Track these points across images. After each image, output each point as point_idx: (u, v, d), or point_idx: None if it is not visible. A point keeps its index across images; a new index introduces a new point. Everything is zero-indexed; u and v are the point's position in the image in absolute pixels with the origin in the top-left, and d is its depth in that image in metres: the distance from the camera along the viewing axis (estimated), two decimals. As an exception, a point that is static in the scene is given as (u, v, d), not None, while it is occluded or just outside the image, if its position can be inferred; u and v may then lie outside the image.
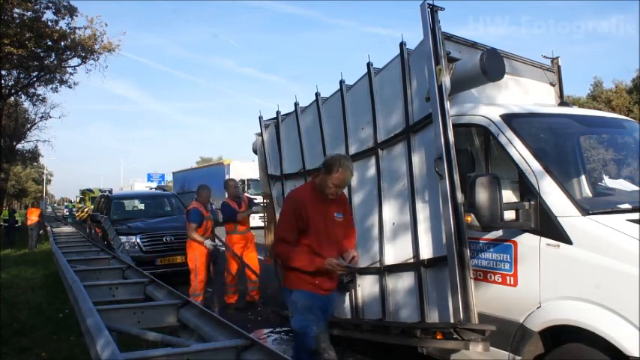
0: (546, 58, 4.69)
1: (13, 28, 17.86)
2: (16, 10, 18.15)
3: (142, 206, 12.43)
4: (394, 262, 4.06)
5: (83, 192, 36.12)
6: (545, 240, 2.97)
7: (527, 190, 3.14)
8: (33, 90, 24.98)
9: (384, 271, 4.14)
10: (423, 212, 3.76)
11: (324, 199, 3.30)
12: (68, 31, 20.62)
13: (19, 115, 29.47)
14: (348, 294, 4.57)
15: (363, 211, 4.50)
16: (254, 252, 7.27)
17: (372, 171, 4.41)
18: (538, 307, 2.96)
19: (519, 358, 3.07)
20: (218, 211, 7.52)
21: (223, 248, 7.44)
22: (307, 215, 3.21)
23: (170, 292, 4.14)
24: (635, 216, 2.88)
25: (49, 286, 8.47)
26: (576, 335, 2.74)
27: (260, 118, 6.55)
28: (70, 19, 20.72)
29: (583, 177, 3.94)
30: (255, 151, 7.23)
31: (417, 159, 3.84)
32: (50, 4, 20.01)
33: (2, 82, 21.90)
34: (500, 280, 3.24)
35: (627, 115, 11.93)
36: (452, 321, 3.29)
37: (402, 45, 3.97)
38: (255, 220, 8.53)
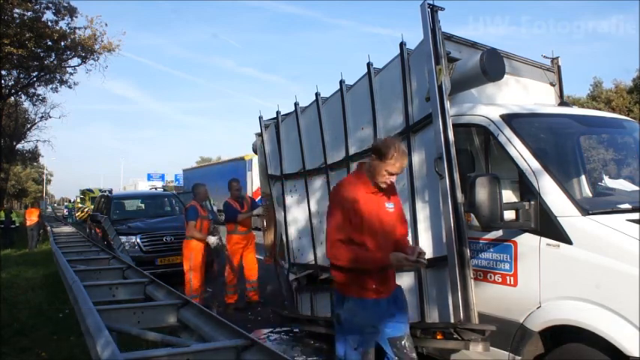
0: (546, 58, 4.69)
1: (13, 28, 17.91)
2: (16, 10, 18.21)
3: (142, 206, 12.44)
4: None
5: (83, 192, 36.08)
6: (545, 240, 2.96)
7: (527, 190, 3.14)
8: (33, 90, 25.10)
9: (384, 271, 4.12)
10: (422, 212, 3.76)
11: (375, 190, 2.93)
12: (68, 31, 20.71)
13: (19, 115, 29.53)
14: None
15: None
16: (253, 252, 7.27)
17: (372, 171, 4.40)
18: (538, 307, 2.96)
19: (519, 358, 3.07)
20: (219, 212, 7.51)
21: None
22: (360, 210, 2.83)
23: (170, 292, 4.14)
24: (635, 216, 2.88)
25: (49, 286, 8.47)
26: (576, 335, 2.74)
27: (260, 118, 6.54)
28: (70, 19, 20.84)
29: (583, 177, 3.94)
30: (255, 151, 7.22)
31: (417, 159, 3.83)
32: (50, 5, 20.11)
33: (2, 82, 21.95)
34: (500, 280, 3.24)
35: (627, 115, 11.95)
36: (452, 321, 3.29)
37: (402, 45, 3.97)
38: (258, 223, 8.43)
